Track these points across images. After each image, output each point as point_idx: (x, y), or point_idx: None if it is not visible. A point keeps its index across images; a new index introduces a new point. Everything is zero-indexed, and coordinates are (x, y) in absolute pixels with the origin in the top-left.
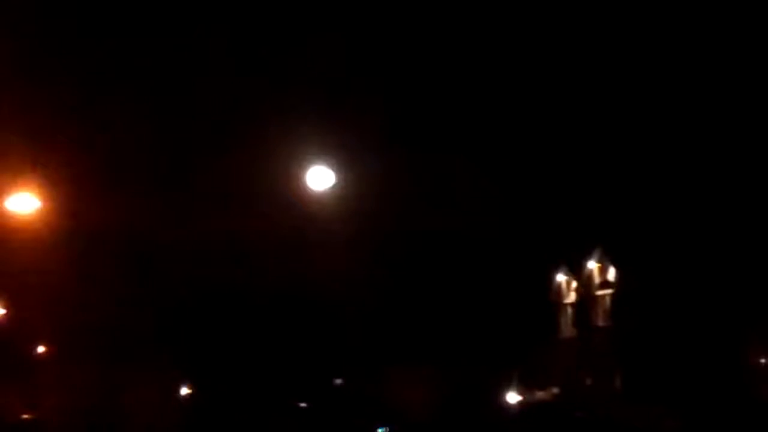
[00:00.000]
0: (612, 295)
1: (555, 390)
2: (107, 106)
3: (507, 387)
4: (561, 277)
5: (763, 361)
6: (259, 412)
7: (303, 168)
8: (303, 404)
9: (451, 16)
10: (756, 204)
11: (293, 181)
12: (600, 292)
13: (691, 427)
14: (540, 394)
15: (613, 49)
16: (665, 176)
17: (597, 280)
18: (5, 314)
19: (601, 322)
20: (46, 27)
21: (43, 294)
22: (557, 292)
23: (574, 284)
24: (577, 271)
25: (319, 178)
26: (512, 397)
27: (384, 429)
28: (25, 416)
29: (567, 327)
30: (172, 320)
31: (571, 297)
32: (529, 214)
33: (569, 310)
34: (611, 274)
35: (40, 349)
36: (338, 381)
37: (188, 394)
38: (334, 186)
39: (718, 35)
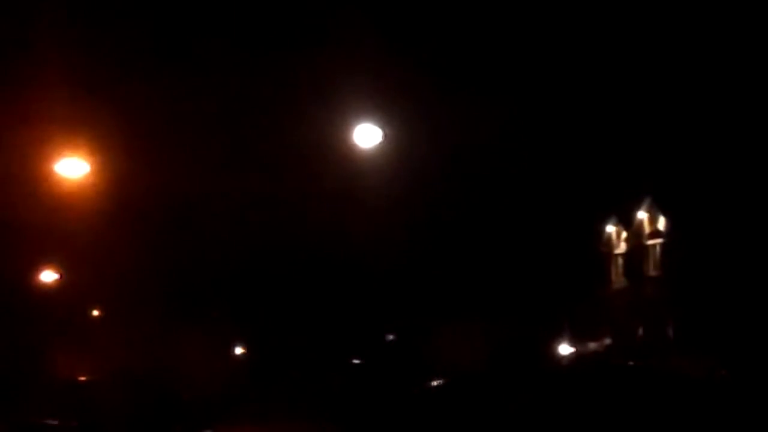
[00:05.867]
0: (662, 244)
1: (607, 340)
2: (155, 70)
3: (559, 338)
4: (611, 228)
5: None
6: (313, 370)
7: (350, 126)
8: (356, 361)
9: None
10: None
11: (341, 138)
12: (650, 242)
13: (743, 376)
14: (592, 345)
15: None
16: (714, 125)
17: (647, 229)
18: (60, 278)
19: (651, 272)
20: None
21: (96, 257)
22: (607, 243)
23: (624, 234)
24: (626, 221)
25: (366, 135)
26: (564, 349)
27: (437, 383)
28: (82, 378)
29: (618, 277)
30: (224, 280)
31: (622, 247)
32: (578, 165)
33: (620, 260)
34: (661, 223)
35: (95, 311)
36: (390, 337)
37: (242, 353)
38: (381, 143)
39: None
